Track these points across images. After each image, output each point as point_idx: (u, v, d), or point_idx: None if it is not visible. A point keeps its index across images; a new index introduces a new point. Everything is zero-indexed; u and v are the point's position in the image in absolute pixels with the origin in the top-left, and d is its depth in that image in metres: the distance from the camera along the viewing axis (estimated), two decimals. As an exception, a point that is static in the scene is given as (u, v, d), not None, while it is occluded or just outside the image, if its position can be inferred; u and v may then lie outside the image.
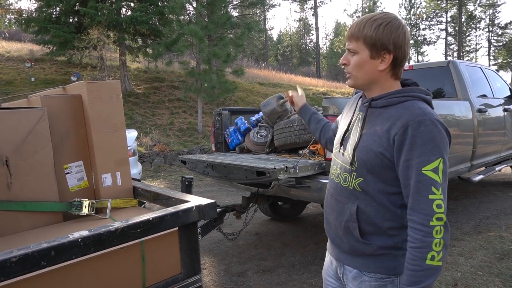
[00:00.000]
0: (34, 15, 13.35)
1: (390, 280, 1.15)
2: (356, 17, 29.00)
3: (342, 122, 1.32)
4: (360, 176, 1.14)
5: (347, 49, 1.16)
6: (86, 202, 1.55)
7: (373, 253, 1.15)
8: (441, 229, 1.01)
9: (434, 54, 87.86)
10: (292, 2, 43.56)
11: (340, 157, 1.24)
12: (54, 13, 13.25)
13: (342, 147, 1.24)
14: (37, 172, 1.46)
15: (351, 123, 1.24)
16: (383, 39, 1.09)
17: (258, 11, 23.03)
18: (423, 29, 39.12)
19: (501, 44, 37.42)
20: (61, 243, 0.98)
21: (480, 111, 4.26)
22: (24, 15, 13.57)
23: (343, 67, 1.20)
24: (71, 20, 13.40)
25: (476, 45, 39.64)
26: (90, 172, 1.67)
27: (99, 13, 11.88)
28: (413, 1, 37.87)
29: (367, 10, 28.41)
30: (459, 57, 34.38)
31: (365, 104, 1.20)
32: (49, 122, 1.50)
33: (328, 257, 1.39)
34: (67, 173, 1.61)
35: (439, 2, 35.03)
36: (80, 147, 1.64)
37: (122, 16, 13.32)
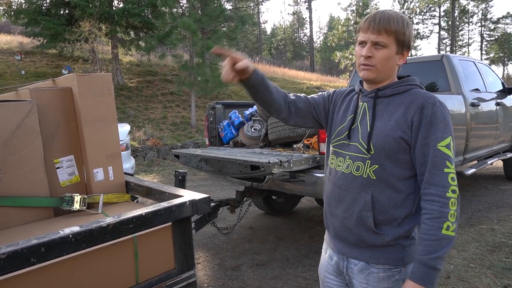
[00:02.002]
0: (23, 6, 13.11)
1: (397, 271, 1.19)
2: (351, 11, 28.86)
3: (341, 115, 1.32)
4: (376, 163, 1.17)
5: (375, 42, 1.14)
6: (77, 197, 1.53)
7: (383, 244, 1.18)
8: (455, 202, 1.09)
9: (427, 48, 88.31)
10: (286, -4, 43.36)
11: (348, 148, 1.25)
12: (44, 4, 13.04)
13: (349, 139, 1.25)
14: (26, 166, 1.43)
15: (356, 115, 1.26)
16: (409, 37, 1.18)
17: (251, 4, 22.87)
18: (417, 24, 39.20)
19: (493, 38, 37.61)
20: (52, 239, 0.96)
21: (473, 105, 4.28)
22: (13, 6, 13.30)
23: (363, 59, 1.17)
24: (61, 12, 13.19)
25: (468, 40, 39.98)
26: (82, 167, 1.65)
27: (90, 5, 11.70)
28: (406, -5, 37.89)
29: (361, 3, 28.31)
30: (452, 51, 34.51)
31: (369, 95, 1.24)
32: (38, 115, 1.47)
33: (326, 254, 1.38)
34: (58, 167, 1.58)
35: (432, -4, 35.11)
36: (71, 141, 1.61)
37: (114, 8, 13.15)
